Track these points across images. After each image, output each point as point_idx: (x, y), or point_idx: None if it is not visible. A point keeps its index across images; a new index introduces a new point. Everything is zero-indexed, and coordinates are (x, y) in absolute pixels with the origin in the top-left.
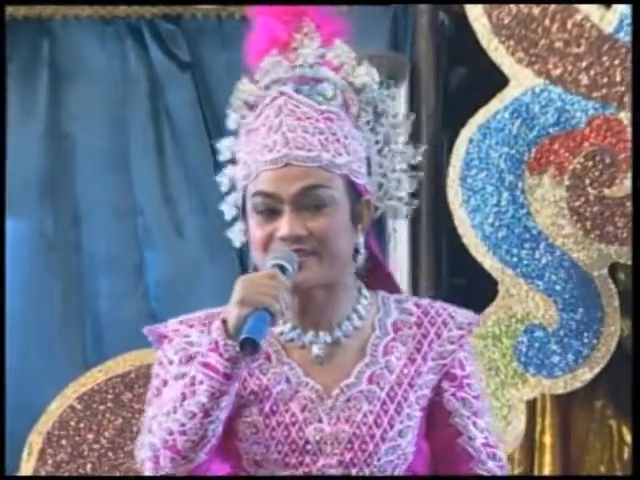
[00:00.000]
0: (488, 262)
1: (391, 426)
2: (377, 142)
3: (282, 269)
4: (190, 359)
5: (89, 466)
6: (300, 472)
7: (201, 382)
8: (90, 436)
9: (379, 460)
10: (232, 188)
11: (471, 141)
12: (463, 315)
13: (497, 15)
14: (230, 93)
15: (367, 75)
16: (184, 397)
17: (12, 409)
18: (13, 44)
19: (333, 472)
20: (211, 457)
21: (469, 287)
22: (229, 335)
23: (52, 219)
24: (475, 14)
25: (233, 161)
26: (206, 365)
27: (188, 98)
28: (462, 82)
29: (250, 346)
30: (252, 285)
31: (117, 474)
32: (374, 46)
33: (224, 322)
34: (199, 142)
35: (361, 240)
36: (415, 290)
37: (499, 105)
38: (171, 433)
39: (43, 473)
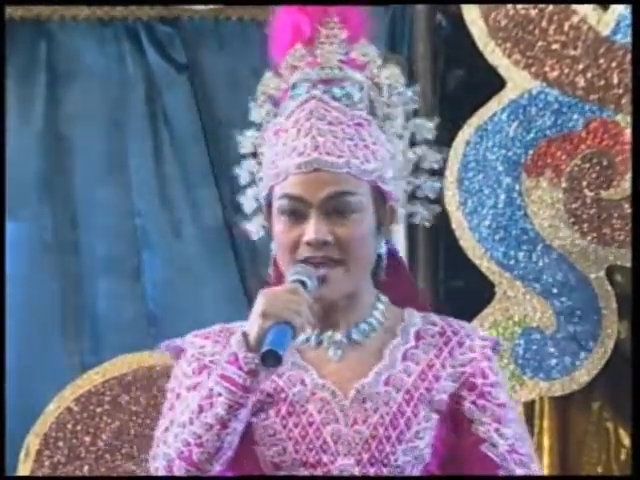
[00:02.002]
0: (485, 264)
1: (408, 427)
2: (402, 145)
3: (304, 284)
4: (204, 368)
5: (86, 468)
6: (319, 472)
7: (219, 394)
8: (87, 438)
9: (396, 460)
10: (252, 181)
11: (468, 143)
12: (486, 334)
13: (494, 17)
14: (227, 94)
15: (393, 76)
16: (201, 409)
17: (10, 410)
18: (11, 45)
19: (351, 471)
20: (226, 466)
21: (466, 290)
22: (250, 347)
23: (50, 221)
24: (472, 16)
25: (254, 154)
26: (225, 377)
27: (185, 100)
28: (459, 84)
29: (272, 358)
30: (275, 299)
31: (114, 476)
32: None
33: (244, 335)
34: (196, 144)
35: (383, 246)
36: None
37: (496, 107)
38: (187, 444)
39: (40, 474)
